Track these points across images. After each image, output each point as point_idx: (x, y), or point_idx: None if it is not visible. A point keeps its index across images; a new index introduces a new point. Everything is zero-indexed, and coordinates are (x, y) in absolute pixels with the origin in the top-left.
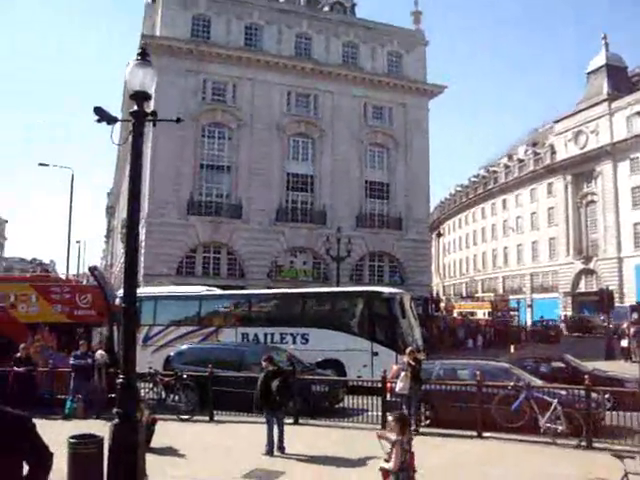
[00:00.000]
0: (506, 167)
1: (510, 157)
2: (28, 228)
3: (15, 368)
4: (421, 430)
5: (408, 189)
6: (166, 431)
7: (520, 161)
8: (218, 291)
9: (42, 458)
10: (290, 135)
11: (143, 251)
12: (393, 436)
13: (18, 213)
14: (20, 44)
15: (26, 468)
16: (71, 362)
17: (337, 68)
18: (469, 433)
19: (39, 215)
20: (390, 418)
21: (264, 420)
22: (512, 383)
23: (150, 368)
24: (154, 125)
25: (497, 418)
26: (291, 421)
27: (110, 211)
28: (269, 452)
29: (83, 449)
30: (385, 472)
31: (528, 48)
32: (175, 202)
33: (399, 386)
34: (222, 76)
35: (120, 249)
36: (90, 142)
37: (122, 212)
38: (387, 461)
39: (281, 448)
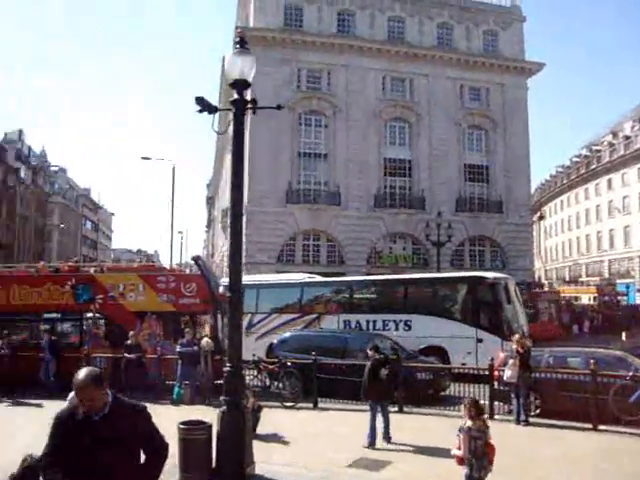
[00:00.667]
0: (610, 145)
1: (615, 134)
2: (132, 220)
3: (126, 355)
4: (531, 420)
5: (508, 171)
6: (271, 418)
7: (626, 138)
8: (319, 278)
9: (159, 448)
10: (386, 120)
11: (244, 240)
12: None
13: (123, 206)
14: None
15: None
16: (178, 350)
17: (431, 50)
18: (583, 425)
19: (142, 207)
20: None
21: (368, 408)
22: (631, 373)
23: (254, 355)
24: (254, 113)
25: (614, 410)
26: (396, 409)
27: (210, 202)
28: (371, 442)
29: (193, 435)
30: (458, 458)
31: (631, 18)
32: (274, 191)
33: (507, 374)
34: (316, 64)
35: (220, 239)
36: (191, 134)
37: (222, 202)
38: (459, 448)
39: (387, 437)
